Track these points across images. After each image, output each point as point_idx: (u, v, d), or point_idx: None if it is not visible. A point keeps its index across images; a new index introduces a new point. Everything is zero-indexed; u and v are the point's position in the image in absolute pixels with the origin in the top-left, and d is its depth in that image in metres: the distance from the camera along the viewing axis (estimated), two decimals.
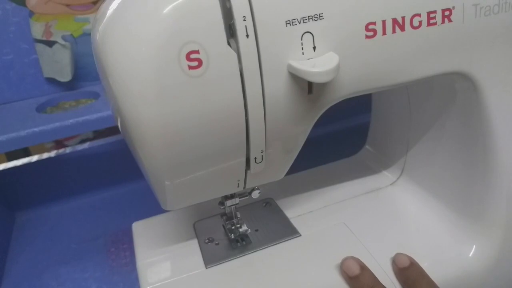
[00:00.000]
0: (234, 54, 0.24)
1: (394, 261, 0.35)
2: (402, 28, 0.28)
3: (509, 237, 0.36)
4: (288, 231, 0.40)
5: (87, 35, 0.54)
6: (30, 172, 0.56)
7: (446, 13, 0.29)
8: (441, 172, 0.40)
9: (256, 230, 0.40)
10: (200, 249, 0.39)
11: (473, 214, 0.37)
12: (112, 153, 0.58)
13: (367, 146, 0.52)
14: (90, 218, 0.54)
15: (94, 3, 0.54)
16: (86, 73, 0.56)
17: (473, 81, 0.33)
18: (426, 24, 0.29)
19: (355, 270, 0.33)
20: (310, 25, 0.26)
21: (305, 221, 0.41)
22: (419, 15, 0.28)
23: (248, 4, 0.24)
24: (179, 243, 0.40)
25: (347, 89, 0.29)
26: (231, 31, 0.24)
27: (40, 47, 0.53)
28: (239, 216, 0.39)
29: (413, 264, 0.34)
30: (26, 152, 0.65)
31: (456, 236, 0.38)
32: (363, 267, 0.33)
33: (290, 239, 0.39)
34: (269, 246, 0.38)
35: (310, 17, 0.26)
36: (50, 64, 0.53)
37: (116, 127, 0.29)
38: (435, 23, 0.29)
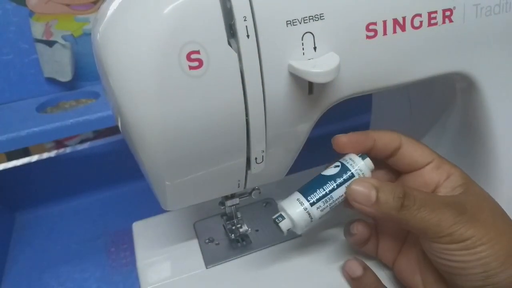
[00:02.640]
0: (235, 54, 0.24)
1: (345, 269, 0.33)
2: (402, 28, 0.28)
3: None
4: (289, 231, 0.40)
5: (87, 35, 0.54)
6: (30, 172, 0.56)
7: (447, 13, 0.29)
8: None
9: (257, 230, 0.40)
10: (200, 249, 0.39)
11: None
12: (112, 153, 0.58)
13: None
14: (90, 218, 0.54)
15: (95, 3, 0.54)
16: (86, 73, 0.56)
17: (474, 81, 0.33)
18: (427, 24, 0.29)
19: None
20: (311, 25, 0.26)
21: None
22: (419, 15, 0.28)
23: (248, 4, 0.24)
24: (179, 243, 0.40)
25: (348, 89, 0.29)
26: (231, 31, 0.24)
27: (40, 47, 0.53)
28: (239, 216, 0.39)
29: (367, 272, 0.32)
30: (26, 152, 0.65)
31: None
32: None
33: (290, 240, 0.39)
34: (270, 246, 0.38)
35: (310, 17, 0.25)
36: (50, 64, 0.53)
37: (116, 127, 0.29)
38: (435, 23, 0.29)
